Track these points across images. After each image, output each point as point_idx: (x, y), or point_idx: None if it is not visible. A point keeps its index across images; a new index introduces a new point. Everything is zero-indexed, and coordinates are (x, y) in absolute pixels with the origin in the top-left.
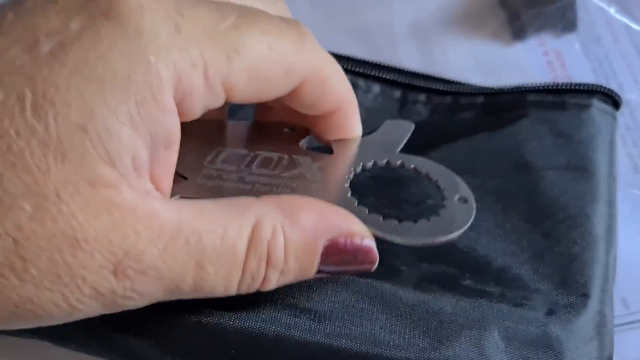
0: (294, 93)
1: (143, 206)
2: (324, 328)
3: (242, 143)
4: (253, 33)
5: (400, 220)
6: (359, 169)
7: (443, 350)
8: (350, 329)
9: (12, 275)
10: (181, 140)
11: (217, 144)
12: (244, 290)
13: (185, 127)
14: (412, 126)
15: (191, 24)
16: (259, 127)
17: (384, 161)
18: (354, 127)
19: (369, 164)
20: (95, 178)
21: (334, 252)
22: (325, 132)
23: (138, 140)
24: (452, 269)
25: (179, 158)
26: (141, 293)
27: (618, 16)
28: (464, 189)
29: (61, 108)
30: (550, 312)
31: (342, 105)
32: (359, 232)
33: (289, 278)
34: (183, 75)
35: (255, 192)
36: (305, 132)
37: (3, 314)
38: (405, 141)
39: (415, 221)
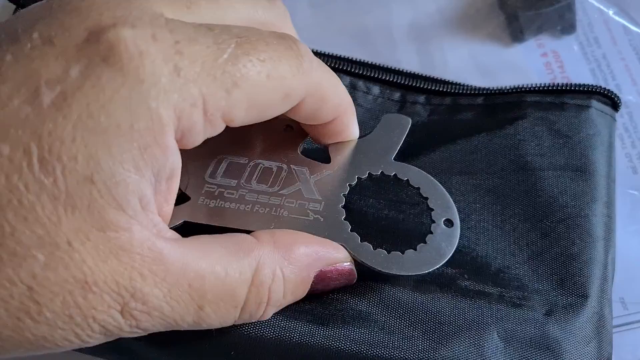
0: (292, 110)
1: (149, 250)
2: (323, 330)
3: (242, 146)
4: (251, 63)
5: (389, 251)
6: (354, 183)
7: (442, 351)
8: (349, 330)
9: (27, 318)
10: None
11: (217, 148)
12: (240, 322)
13: None
14: (409, 122)
15: (189, 62)
16: (258, 124)
17: (379, 172)
18: (351, 132)
19: (364, 177)
20: (104, 224)
21: (322, 279)
22: (323, 137)
23: (143, 181)
24: (451, 270)
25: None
26: (145, 329)
27: (616, 18)
28: (452, 210)
29: (68, 162)
30: (549, 313)
31: (340, 115)
32: (342, 259)
33: (283, 307)
34: (183, 115)
35: (255, 214)
36: (303, 133)
37: (18, 350)
38: (402, 142)
39: (402, 252)
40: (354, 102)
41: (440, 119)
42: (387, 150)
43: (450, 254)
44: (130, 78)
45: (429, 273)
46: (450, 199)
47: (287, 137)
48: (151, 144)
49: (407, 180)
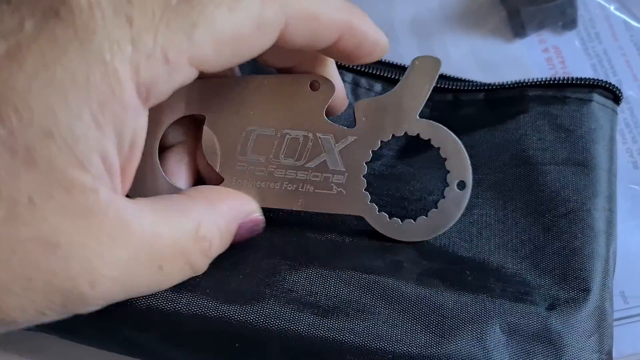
0: (283, 40)
1: (116, 211)
2: (327, 323)
3: (268, 113)
4: None
5: (402, 219)
6: (377, 148)
7: (445, 345)
8: (353, 323)
9: None
10: (211, 121)
11: (244, 119)
12: (184, 279)
13: (213, 98)
14: (439, 64)
15: (141, 10)
16: (282, 84)
17: (402, 133)
18: (374, 39)
19: (388, 139)
20: (69, 182)
21: (241, 229)
22: (348, 59)
23: (105, 140)
24: (453, 265)
25: (212, 150)
26: (108, 299)
27: (617, 13)
28: (467, 171)
29: (24, 113)
30: (551, 307)
31: (344, 27)
32: (255, 209)
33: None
34: (141, 68)
35: (283, 192)
36: (330, 88)
37: None
38: (430, 91)
39: (414, 219)
40: (356, 99)
41: (441, 115)
42: (414, 105)
43: (457, 218)
44: (82, 31)
45: (431, 266)
46: (469, 160)
47: (312, 96)
48: (110, 99)
49: (429, 139)
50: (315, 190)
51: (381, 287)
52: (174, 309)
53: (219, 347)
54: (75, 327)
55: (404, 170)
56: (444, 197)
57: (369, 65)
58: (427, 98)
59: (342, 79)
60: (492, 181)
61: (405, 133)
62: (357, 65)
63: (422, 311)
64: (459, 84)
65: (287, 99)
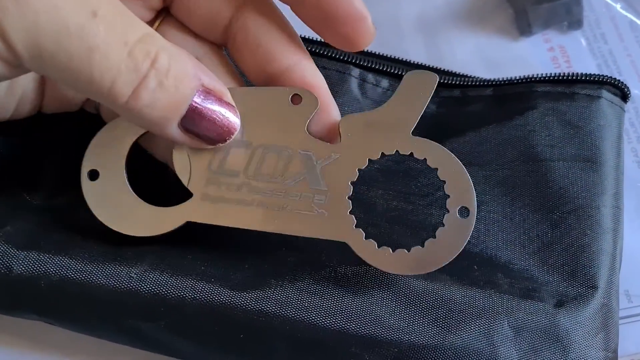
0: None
1: None
2: (335, 312)
3: (245, 126)
4: None
5: (394, 249)
6: (364, 167)
7: (451, 339)
8: (360, 313)
9: None
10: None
11: None
12: (121, 86)
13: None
14: (435, 80)
15: None
16: (261, 97)
17: (394, 151)
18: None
19: (377, 158)
20: None
21: (196, 114)
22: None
23: None
24: (462, 261)
25: (183, 164)
26: (30, 46)
27: (623, 12)
28: (470, 195)
29: None
30: (559, 304)
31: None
32: (229, 99)
33: (162, 99)
34: None
35: (257, 211)
36: (313, 102)
37: None
38: (424, 108)
39: (408, 250)
40: (363, 95)
41: (448, 111)
42: (406, 121)
43: (460, 250)
44: None
45: None
46: (471, 182)
47: (293, 110)
48: None
49: (425, 159)
50: (294, 210)
51: (389, 279)
52: (178, 296)
53: (223, 338)
54: (79, 317)
55: (412, 166)
56: (443, 225)
57: (376, 62)
58: (421, 115)
59: (349, 74)
60: (500, 177)
61: (397, 152)
62: (364, 61)
63: (429, 304)
64: (466, 79)
65: (266, 112)
